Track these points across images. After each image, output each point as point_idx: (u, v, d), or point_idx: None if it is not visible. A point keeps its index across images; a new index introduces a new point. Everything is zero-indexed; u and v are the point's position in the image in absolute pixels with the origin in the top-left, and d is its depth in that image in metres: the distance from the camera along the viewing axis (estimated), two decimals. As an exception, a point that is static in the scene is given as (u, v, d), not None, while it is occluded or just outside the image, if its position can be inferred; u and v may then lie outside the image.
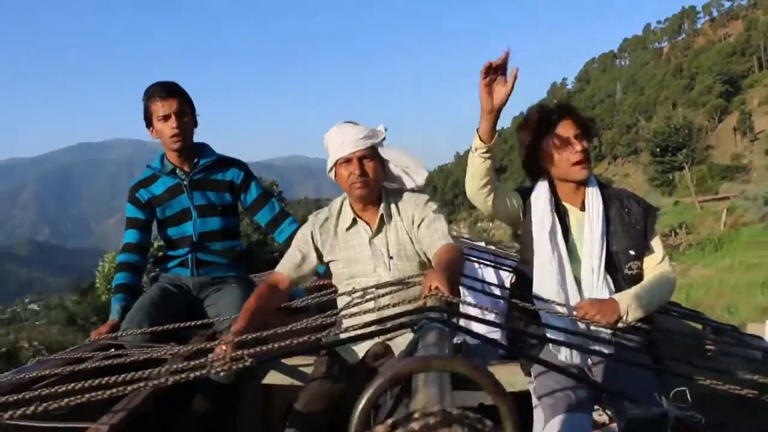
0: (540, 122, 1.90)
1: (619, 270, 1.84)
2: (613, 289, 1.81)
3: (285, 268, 1.99)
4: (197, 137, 2.47)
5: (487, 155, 1.75)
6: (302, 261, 1.99)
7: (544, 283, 1.82)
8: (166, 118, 2.31)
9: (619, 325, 1.68)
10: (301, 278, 2.02)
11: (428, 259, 1.87)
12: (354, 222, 1.95)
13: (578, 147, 1.83)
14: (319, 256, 2.00)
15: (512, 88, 1.65)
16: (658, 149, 38.13)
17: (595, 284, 1.81)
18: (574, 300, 1.79)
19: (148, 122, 2.37)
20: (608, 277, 1.83)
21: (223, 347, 1.54)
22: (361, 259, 1.93)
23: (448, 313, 1.17)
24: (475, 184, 1.82)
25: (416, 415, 0.51)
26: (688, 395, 1.19)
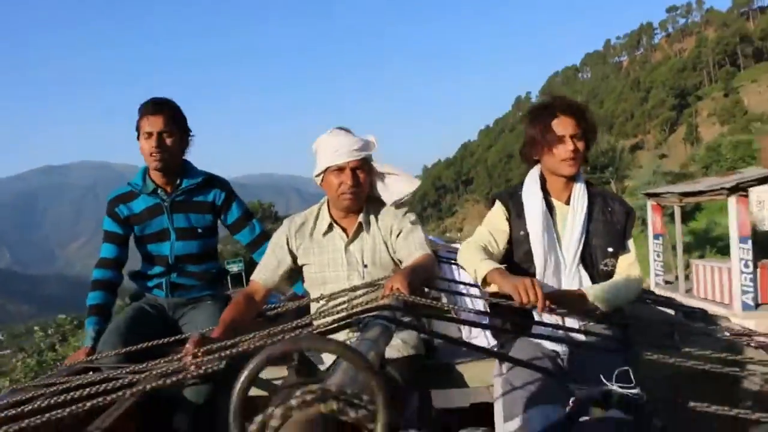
0: (541, 113, 1.92)
1: (595, 265, 1.88)
2: (588, 282, 1.85)
3: (260, 276, 1.99)
4: None
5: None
6: (278, 266, 1.99)
7: (546, 276, 1.85)
8: (149, 135, 2.24)
9: (589, 315, 1.74)
10: (278, 284, 2.01)
11: None
12: (330, 228, 1.96)
13: (570, 146, 1.84)
14: (294, 259, 2.00)
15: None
16: (588, 168, 47.24)
17: (569, 276, 1.85)
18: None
19: (139, 138, 2.30)
20: (584, 270, 1.87)
21: (192, 352, 1.47)
22: (335, 265, 1.94)
23: (404, 312, 1.21)
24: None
25: (297, 393, 0.56)
26: (632, 375, 1.26)
